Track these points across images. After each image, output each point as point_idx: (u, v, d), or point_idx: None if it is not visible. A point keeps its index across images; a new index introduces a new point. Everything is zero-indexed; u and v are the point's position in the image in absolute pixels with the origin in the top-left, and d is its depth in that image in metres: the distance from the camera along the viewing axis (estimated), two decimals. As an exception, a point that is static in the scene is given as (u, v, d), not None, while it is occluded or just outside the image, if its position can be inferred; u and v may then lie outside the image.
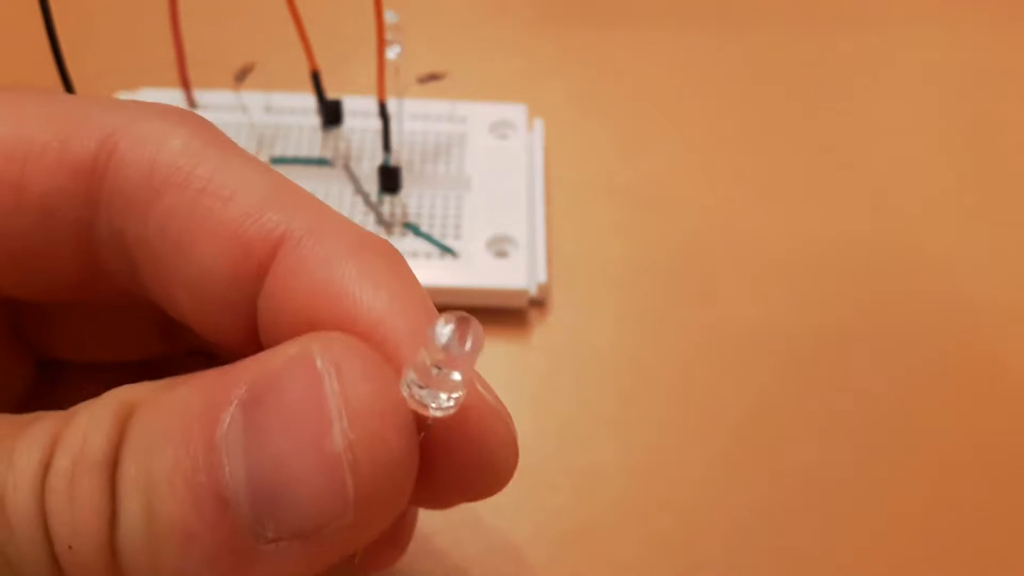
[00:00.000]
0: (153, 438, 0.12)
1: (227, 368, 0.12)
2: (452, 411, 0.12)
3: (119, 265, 0.14)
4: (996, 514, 0.23)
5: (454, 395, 0.12)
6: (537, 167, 0.30)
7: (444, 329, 0.11)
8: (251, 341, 0.14)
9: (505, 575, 0.22)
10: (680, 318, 0.27)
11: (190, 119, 0.13)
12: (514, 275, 0.26)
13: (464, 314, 0.11)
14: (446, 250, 0.27)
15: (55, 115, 0.13)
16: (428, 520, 0.22)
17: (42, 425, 0.12)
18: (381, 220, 0.28)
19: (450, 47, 0.35)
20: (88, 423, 0.12)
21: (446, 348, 0.11)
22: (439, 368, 0.11)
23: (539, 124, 0.31)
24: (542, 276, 0.27)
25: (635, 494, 0.23)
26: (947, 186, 0.31)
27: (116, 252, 0.13)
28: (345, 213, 0.28)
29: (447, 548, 0.22)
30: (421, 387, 0.12)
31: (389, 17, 0.25)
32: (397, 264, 0.13)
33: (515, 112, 0.31)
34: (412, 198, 0.28)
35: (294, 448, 0.11)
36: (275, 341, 0.13)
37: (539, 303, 0.27)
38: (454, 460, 0.13)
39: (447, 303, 0.26)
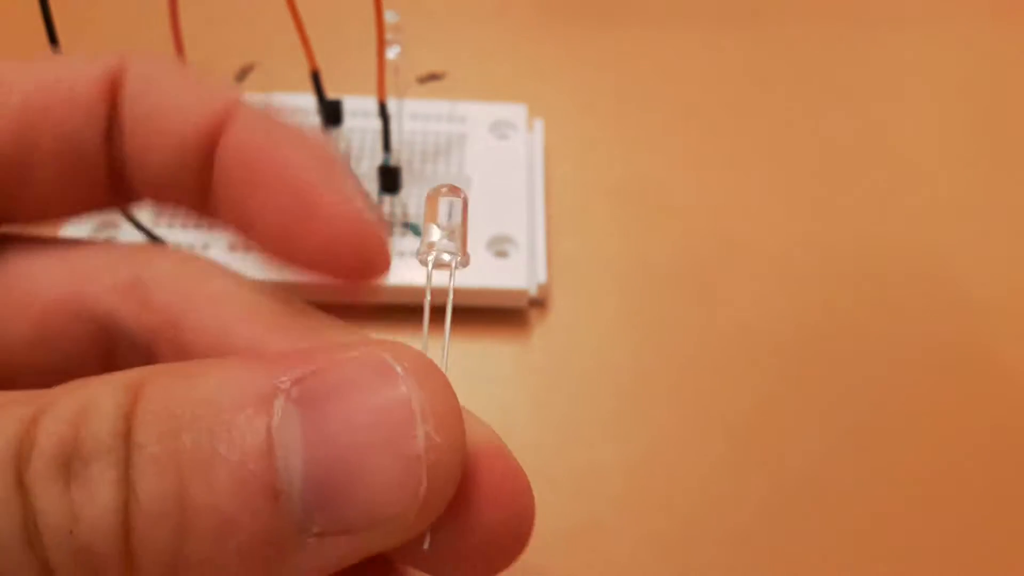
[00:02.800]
0: (179, 419, 0.11)
1: (255, 357, 0.12)
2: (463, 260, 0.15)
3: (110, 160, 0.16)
4: (997, 513, 0.23)
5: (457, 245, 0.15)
6: (537, 167, 0.30)
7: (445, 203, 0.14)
8: (203, 192, 0.16)
9: (504, 574, 0.22)
10: (680, 318, 0.27)
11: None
12: (514, 275, 0.26)
13: (451, 187, 0.15)
14: (446, 250, 0.27)
15: (64, 57, 0.16)
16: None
17: (13, 406, 0.12)
18: (381, 220, 0.28)
19: (450, 47, 0.35)
20: (85, 400, 0.12)
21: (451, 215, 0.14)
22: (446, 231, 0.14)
23: (539, 124, 0.31)
24: (542, 276, 0.27)
25: (634, 494, 0.23)
26: (950, 187, 0.31)
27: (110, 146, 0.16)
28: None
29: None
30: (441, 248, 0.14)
31: (389, 17, 0.25)
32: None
33: (515, 112, 0.31)
34: (412, 198, 0.28)
35: (369, 444, 0.12)
36: (229, 183, 0.15)
37: (539, 303, 0.27)
38: (479, 512, 0.13)
39: (447, 303, 0.26)
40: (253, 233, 0.15)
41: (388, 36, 0.25)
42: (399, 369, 0.12)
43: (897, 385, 0.26)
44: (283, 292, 0.16)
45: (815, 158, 0.32)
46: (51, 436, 0.11)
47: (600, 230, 0.29)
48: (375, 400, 0.12)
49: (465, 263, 0.14)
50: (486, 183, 0.29)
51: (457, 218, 0.14)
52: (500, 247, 0.27)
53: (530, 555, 0.22)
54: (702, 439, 0.24)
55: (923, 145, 0.33)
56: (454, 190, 0.14)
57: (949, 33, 0.37)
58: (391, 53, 0.26)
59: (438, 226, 0.14)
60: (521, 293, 0.26)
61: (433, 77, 0.29)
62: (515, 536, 0.14)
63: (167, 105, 0.16)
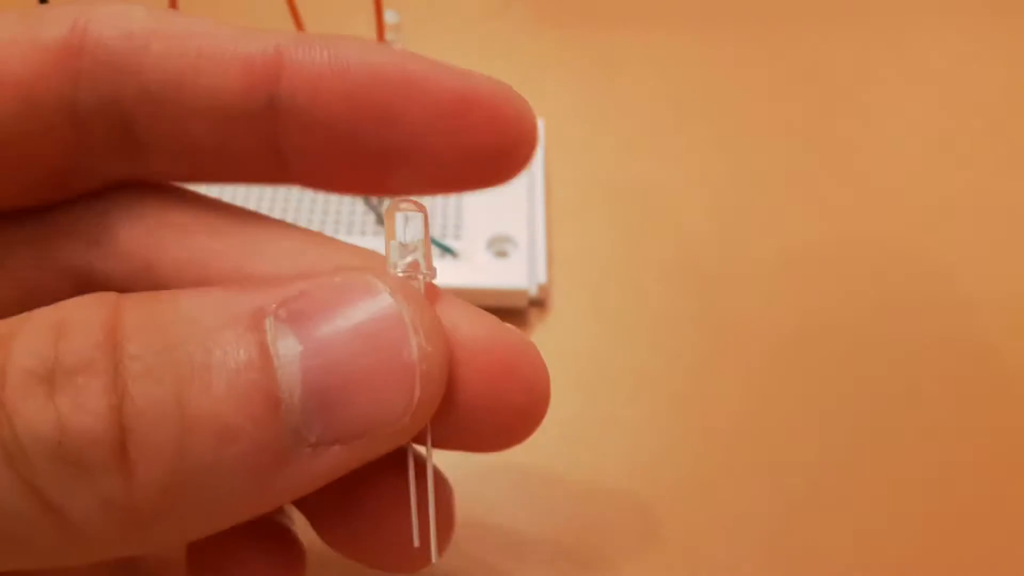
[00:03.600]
0: (166, 332, 0.11)
1: (235, 285, 0.12)
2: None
3: (108, 140, 0.14)
4: (997, 513, 0.23)
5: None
6: (537, 167, 0.30)
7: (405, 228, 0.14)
8: (268, 157, 0.14)
9: (506, 575, 0.22)
10: (680, 318, 0.27)
11: (144, 3, 0.15)
12: (514, 275, 0.26)
13: (407, 207, 0.14)
14: (446, 250, 0.27)
15: (17, 19, 0.14)
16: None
17: None
18: (381, 220, 0.28)
19: (450, 47, 0.35)
20: (60, 318, 0.11)
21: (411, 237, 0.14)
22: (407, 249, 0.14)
23: (539, 124, 0.31)
24: (542, 276, 0.27)
25: (636, 494, 0.23)
26: (950, 187, 0.31)
27: (106, 124, 0.14)
28: (345, 213, 0.28)
29: (449, 548, 0.22)
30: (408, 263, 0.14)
31: (389, 17, 0.25)
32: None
33: (515, 112, 0.31)
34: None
35: (366, 353, 0.12)
36: (310, 141, 0.14)
37: (539, 303, 0.27)
38: (490, 391, 0.14)
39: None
40: (365, 170, 0.14)
41: (388, 36, 0.25)
42: (383, 287, 0.12)
43: (897, 385, 0.26)
44: (240, 208, 0.15)
45: (815, 158, 0.32)
46: (27, 353, 0.11)
47: (600, 230, 0.29)
48: (367, 313, 0.12)
49: (431, 276, 0.14)
50: (486, 183, 0.29)
51: (418, 232, 0.14)
52: (500, 247, 0.27)
53: (533, 556, 0.22)
54: (703, 439, 0.24)
55: (924, 145, 0.33)
56: (412, 205, 0.14)
57: (949, 33, 0.37)
58: (391, 53, 0.26)
59: (399, 244, 0.14)
60: (521, 293, 0.26)
61: (433, 77, 0.29)
62: (530, 411, 0.15)
63: (176, 60, 0.14)
